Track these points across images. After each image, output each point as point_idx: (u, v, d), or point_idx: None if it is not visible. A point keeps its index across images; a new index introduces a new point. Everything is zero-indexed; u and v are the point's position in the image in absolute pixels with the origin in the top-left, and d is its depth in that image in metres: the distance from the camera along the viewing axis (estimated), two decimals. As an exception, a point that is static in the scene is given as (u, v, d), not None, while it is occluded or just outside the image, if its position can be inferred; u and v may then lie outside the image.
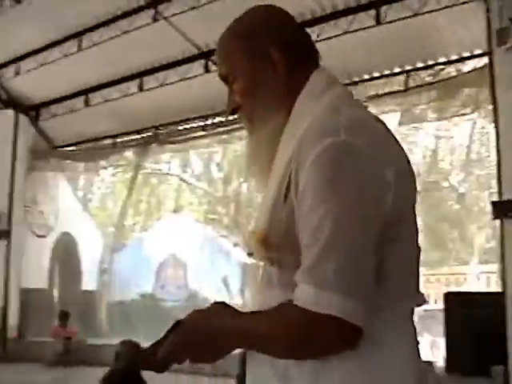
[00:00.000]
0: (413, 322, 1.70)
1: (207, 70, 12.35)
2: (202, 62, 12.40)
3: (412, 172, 1.70)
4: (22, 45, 13.24)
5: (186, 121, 14.47)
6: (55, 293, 16.25)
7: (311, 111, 1.65)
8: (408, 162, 1.69)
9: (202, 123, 14.41)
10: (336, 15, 10.52)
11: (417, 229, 1.72)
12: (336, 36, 10.45)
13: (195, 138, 14.62)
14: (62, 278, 16.48)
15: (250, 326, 1.57)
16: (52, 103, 15.07)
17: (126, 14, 11.83)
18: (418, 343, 1.70)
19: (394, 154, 1.62)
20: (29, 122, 15.61)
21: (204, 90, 12.17)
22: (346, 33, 10.44)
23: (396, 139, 1.69)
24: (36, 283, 15.50)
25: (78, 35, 12.63)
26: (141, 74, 13.36)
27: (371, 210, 1.53)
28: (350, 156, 1.51)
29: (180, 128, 14.82)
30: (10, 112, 15.24)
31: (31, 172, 15.76)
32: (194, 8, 10.68)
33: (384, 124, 1.71)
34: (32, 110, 15.58)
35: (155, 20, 11.51)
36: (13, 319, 14.85)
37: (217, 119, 14.01)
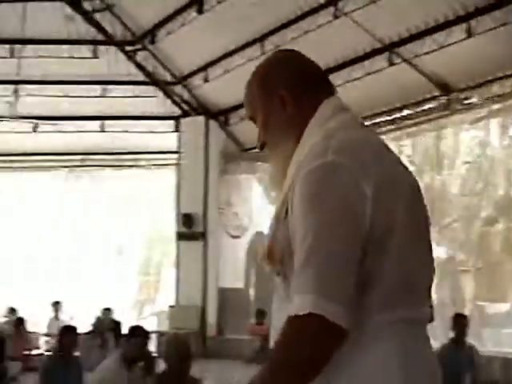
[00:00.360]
0: (414, 332, 1.75)
1: (391, 64, 12.13)
2: (386, 55, 12.19)
3: (408, 187, 1.82)
4: (207, 52, 13.69)
5: (373, 116, 14.28)
6: (251, 291, 16.62)
7: (314, 138, 1.84)
8: (403, 177, 1.83)
9: (389, 117, 14.16)
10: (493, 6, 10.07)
11: (427, 242, 1.86)
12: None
13: (383, 132, 14.39)
14: (258, 277, 16.80)
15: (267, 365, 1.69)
16: (239, 107, 15.41)
17: (306, 14, 11.92)
18: (418, 353, 1.75)
19: (378, 170, 1.72)
20: (219, 126, 16.11)
21: (389, 83, 12.01)
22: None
23: (392, 157, 1.86)
24: (232, 283, 15.95)
25: (260, 39, 12.87)
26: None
27: (350, 221, 1.66)
28: (333, 174, 1.69)
29: (368, 123, 14.62)
30: (201, 118, 15.81)
31: (224, 175, 16.23)
32: (373, 2, 10.55)
33: (380, 142, 1.90)
34: (221, 115, 16.06)
35: (336, 17, 11.49)
36: (212, 318, 15.40)
37: (404, 112, 13.70)
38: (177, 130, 16.37)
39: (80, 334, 8.18)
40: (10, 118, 15.27)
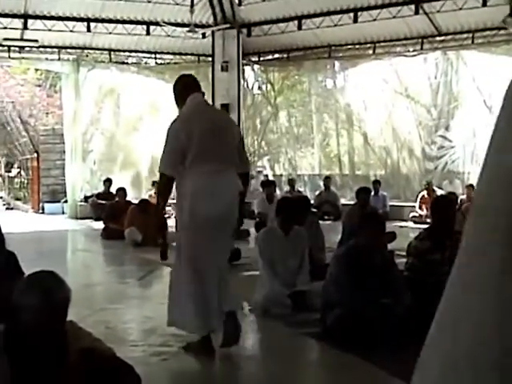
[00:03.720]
0: (205, 174, 5.33)
1: None
2: None
3: (208, 125, 5.46)
4: None
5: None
6: None
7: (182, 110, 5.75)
8: (205, 120, 5.49)
9: None
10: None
11: (222, 141, 5.45)
12: None
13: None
14: None
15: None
16: None
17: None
18: (203, 181, 5.33)
19: (188, 125, 5.41)
20: None
21: None
22: None
23: (208, 113, 5.74)
24: None
25: None
26: None
27: (173, 144, 5.36)
28: (171, 126, 5.47)
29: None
30: None
31: None
32: None
33: (203, 110, 5.72)
34: None
35: None
36: None
37: None
38: None
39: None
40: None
